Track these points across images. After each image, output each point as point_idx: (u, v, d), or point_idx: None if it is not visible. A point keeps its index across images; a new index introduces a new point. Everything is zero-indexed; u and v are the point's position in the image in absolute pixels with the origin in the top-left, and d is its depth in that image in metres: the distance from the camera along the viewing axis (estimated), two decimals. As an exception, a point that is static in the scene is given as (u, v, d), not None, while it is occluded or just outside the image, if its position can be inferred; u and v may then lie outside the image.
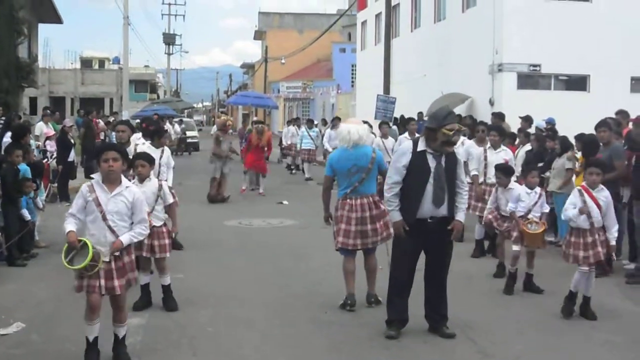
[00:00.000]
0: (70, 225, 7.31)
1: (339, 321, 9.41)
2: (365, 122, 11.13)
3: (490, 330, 9.08)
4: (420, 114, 28.01)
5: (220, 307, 10.04)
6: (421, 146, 8.66)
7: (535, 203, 11.15)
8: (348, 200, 9.90)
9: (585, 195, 9.60)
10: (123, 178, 7.59)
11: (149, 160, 10.10)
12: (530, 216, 11.01)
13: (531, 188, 11.25)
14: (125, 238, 7.40)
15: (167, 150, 13.40)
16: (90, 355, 7.55)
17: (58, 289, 10.53)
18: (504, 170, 12.42)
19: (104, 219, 7.32)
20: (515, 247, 11.07)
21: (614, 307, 10.41)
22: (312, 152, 29.91)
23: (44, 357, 8.03)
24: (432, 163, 8.59)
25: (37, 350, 8.23)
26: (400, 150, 9.06)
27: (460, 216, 8.84)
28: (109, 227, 7.33)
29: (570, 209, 9.68)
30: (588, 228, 9.63)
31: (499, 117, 21.47)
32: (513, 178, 12.40)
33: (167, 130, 21.03)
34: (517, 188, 11.61)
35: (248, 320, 9.44)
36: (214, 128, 31.38)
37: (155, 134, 13.58)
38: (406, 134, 20.39)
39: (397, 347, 8.42)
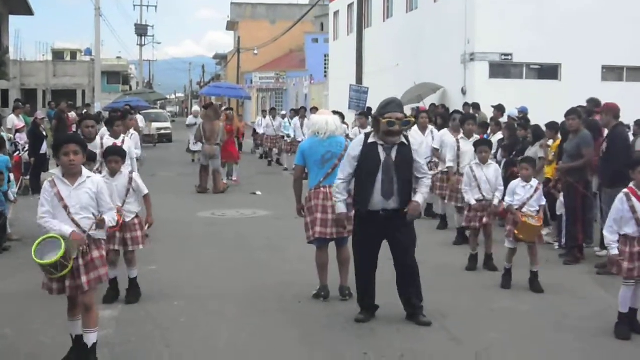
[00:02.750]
0: (66, 227, 7.03)
1: (312, 312, 9.43)
2: (337, 112, 11.24)
3: (464, 319, 9.13)
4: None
5: (193, 298, 10.04)
6: (372, 138, 8.75)
7: (531, 197, 10.76)
8: (322, 189, 9.85)
9: (634, 199, 8.43)
10: (83, 169, 7.35)
11: (122, 155, 10.03)
12: (525, 210, 10.65)
13: (527, 181, 10.86)
14: (108, 216, 7.25)
15: (127, 140, 13.33)
16: (76, 352, 7.38)
17: (31, 282, 10.44)
18: (487, 144, 12.46)
19: (68, 212, 7.10)
20: (510, 245, 10.75)
21: (585, 294, 10.49)
22: (295, 142, 29.40)
23: (17, 351, 7.97)
24: (382, 155, 8.65)
25: (11, 344, 8.18)
26: (354, 142, 9.11)
27: (418, 197, 8.83)
28: (73, 220, 7.09)
29: (611, 234, 8.56)
30: (637, 236, 8.40)
31: (475, 107, 21.48)
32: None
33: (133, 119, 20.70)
34: (513, 181, 11.19)
35: (221, 312, 9.45)
36: (190, 118, 31.38)
37: (107, 124, 13.57)
38: None
39: (370, 336, 8.45)
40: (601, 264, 11.86)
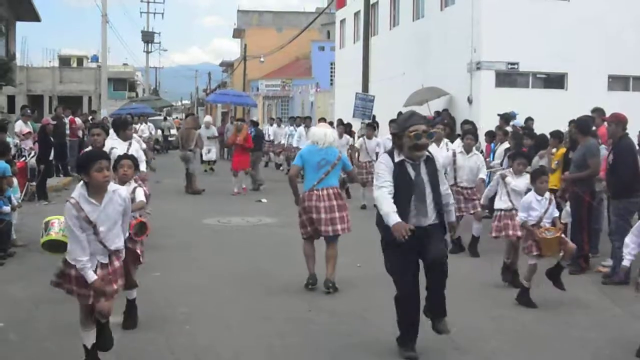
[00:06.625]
0: (92, 273, 6.84)
1: (316, 319, 9.46)
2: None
3: (466, 326, 9.09)
4: (400, 113, 27.96)
5: (198, 305, 10.05)
6: (398, 156, 7.98)
7: (546, 210, 10.35)
8: (315, 192, 10.88)
9: None
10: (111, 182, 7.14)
11: (136, 163, 9.60)
12: (542, 224, 10.27)
13: (541, 194, 10.42)
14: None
15: (134, 143, 13.30)
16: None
17: (36, 288, 10.48)
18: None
19: (96, 234, 6.86)
20: (531, 261, 10.33)
21: (590, 303, 10.48)
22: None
23: (22, 356, 7.99)
24: (412, 174, 7.94)
25: (15, 349, 8.20)
26: (381, 164, 8.02)
27: (452, 217, 8.35)
28: (100, 242, 6.89)
29: (631, 242, 8.37)
30: None
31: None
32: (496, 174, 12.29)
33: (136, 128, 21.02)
34: (528, 195, 10.74)
35: (225, 319, 9.46)
36: (201, 128, 31.58)
37: (118, 127, 13.47)
38: (388, 135, 20.49)
39: (375, 345, 8.44)
40: (606, 274, 11.86)
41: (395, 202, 7.75)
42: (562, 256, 10.32)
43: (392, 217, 7.63)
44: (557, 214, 10.68)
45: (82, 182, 7.05)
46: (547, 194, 10.54)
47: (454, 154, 14.01)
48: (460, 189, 13.76)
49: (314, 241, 11.18)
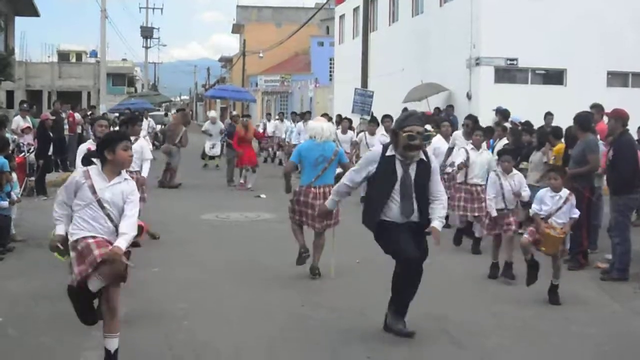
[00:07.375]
0: (61, 227, 7.01)
1: (316, 315, 9.43)
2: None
3: (466, 322, 9.11)
4: (405, 110, 27.97)
5: (197, 300, 10.01)
6: (390, 151, 8.22)
7: (559, 208, 10.26)
8: (312, 189, 11.17)
9: None
10: (122, 171, 7.13)
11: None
12: (550, 221, 10.22)
13: (555, 190, 10.30)
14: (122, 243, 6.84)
15: (141, 140, 13.30)
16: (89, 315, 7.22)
17: (35, 283, 10.47)
18: (510, 153, 12.28)
19: (101, 206, 6.85)
20: (526, 238, 10.30)
21: (589, 299, 10.48)
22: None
23: (20, 351, 7.96)
24: (399, 170, 8.15)
25: (14, 344, 8.17)
26: (369, 155, 8.57)
27: (436, 224, 8.33)
28: (108, 215, 6.87)
29: None
30: None
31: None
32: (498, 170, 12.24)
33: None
34: (541, 190, 10.71)
35: (225, 314, 9.44)
36: (207, 123, 31.52)
37: (126, 122, 13.41)
38: (382, 131, 20.53)
39: (373, 340, 8.40)
40: (605, 270, 11.86)
41: (373, 194, 8.38)
42: (554, 274, 10.29)
43: (330, 202, 9.20)
44: (575, 214, 10.44)
45: (97, 159, 7.09)
46: (565, 193, 10.37)
47: (467, 152, 13.89)
48: (469, 187, 13.69)
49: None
